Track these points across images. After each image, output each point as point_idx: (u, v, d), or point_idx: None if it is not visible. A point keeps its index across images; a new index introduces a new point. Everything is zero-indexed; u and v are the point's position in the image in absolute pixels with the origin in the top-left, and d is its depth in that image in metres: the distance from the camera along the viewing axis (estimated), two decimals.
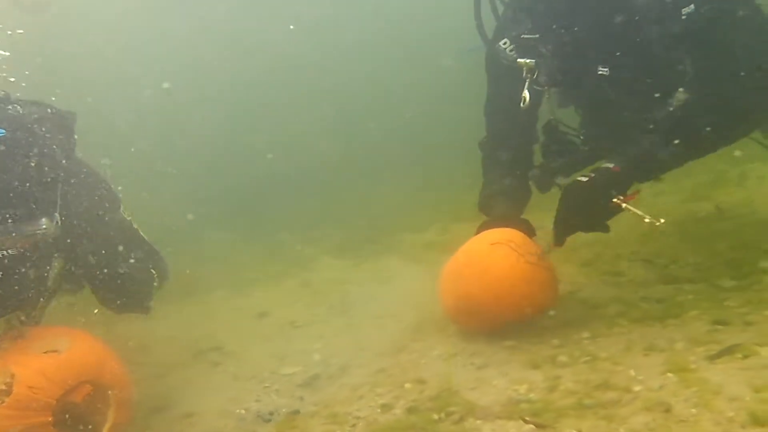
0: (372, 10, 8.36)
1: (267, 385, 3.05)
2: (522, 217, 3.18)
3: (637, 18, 2.43)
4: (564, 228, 2.74)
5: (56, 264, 2.82)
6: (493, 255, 2.89)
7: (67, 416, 2.44)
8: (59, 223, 2.44)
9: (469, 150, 6.77)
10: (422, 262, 4.68)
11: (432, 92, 7.94)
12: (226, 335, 3.93)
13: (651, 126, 2.48)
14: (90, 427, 2.56)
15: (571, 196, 2.62)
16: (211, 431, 2.65)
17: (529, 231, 3.06)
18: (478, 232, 3.21)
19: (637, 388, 1.96)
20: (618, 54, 2.52)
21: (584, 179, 2.57)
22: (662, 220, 2.44)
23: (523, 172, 3.17)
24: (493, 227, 3.10)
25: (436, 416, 2.30)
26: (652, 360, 2.12)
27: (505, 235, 2.94)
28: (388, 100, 7.94)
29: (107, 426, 2.60)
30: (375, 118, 7.78)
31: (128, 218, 3.06)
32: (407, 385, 2.64)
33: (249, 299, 4.69)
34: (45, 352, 2.42)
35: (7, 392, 2.26)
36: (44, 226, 2.37)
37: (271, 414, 2.67)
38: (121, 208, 3.03)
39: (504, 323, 2.80)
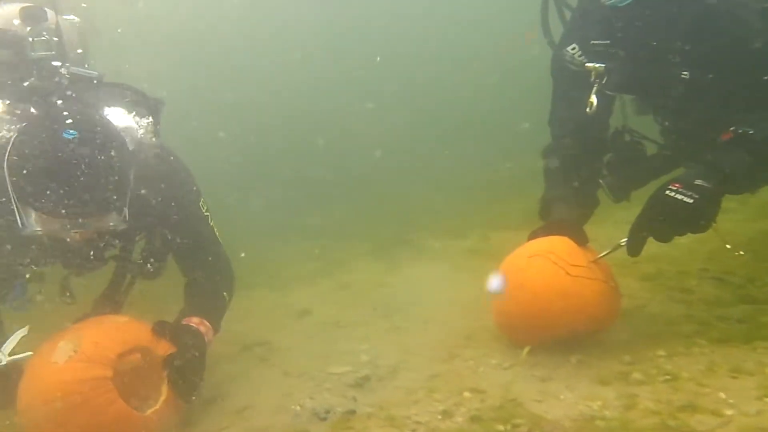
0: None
1: (318, 383, 3.00)
2: (575, 224, 3.07)
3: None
4: (644, 237, 2.62)
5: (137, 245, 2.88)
6: (529, 269, 2.84)
7: (124, 377, 2.49)
8: (127, 217, 2.40)
9: (514, 158, 6.78)
10: (464, 269, 4.64)
11: (485, 98, 7.87)
12: (270, 331, 3.91)
13: (745, 133, 2.36)
14: (145, 396, 2.60)
15: (665, 207, 2.50)
16: (267, 426, 2.61)
17: (581, 239, 2.96)
18: (529, 240, 3.15)
19: (729, 412, 1.88)
20: (703, 57, 2.43)
21: (681, 192, 2.44)
22: (741, 252, 2.35)
23: (588, 180, 3.10)
24: (544, 234, 3.03)
25: (501, 427, 2.25)
26: (742, 383, 2.05)
27: (547, 246, 2.88)
28: (438, 104, 7.86)
29: (161, 399, 2.60)
30: (421, 119, 7.71)
31: (206, 213, 3.02)
32: (466, 394, 2.59)
33: (288, 297, 4.67)
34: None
35: (70, 359, 2.38)
36: (112, 223, 2.34)
37: (327, 412, 2.63)
38: (200, 201, 3.00)
39: (550, 339, 2.73)
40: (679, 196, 2.45)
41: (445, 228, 5.83)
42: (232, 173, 6.47)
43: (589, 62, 2.69)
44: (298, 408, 2.71)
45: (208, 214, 2.99)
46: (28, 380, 2.44)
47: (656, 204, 2.54)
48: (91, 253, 2.53)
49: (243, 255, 4.50)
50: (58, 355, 2.41)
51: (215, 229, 3.05)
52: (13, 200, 2.23)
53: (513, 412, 2.32)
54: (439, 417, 2.44)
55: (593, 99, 2.71)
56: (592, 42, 2.65)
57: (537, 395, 2.41)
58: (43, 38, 2.45)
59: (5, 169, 2.23)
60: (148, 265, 2.87)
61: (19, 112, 2.32)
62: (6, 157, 2.24)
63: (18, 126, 2.29)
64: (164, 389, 2.64)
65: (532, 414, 2.27)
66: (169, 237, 2.87)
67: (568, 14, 3.01)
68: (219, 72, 7.66)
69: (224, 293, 3.02)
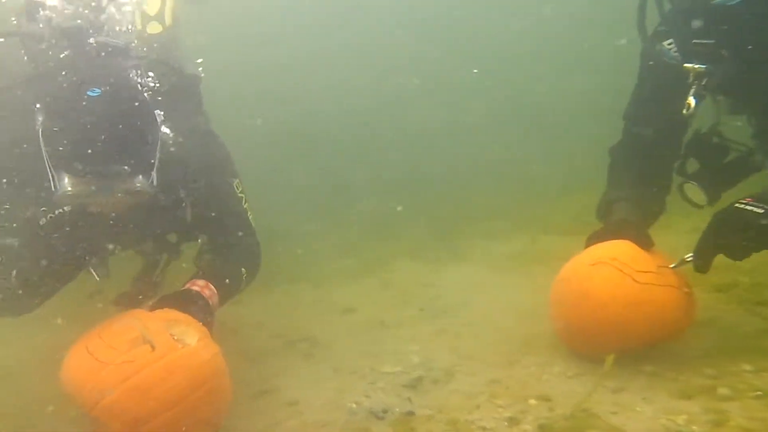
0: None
1: (370, 381, 2.94)
2: (639, 226, 2.91)
3: None
4: (713, 254, 2.51)
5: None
6: (592, 278, 2.69)
7: None
8: (155, 182, 2.37)
9: (564, 160, 6.64)
10: (513, 272, 4.56)
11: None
12: (313, 327, 3.86)
13: None
14: None
15: (735, 220, 2.38)
16: (323, 422, 2.55)
17: (645, 242, 2.80)
18: (588, 244, 3.02)
19: None
20: None
21: (752, 205, 2.34)
22: None
23: (661, 182, 2.98)
24: (604, 238, 2.90)
25: None
26: None
27: (609, 252, 2.74)
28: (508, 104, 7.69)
29: None
30: (469, 116, 7.59)
31: (240, 195, 2.98)
32: (532, 401, 2.50)
33: (331, 294, 4.62)
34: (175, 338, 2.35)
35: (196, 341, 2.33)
36: (139, 185, 2.31)
37: (384, 412, 2.56)
38: (235, 182, 2.96)
39: (618, 350, 2.62)
40: (749, 207, 2.34)
41: (487, 229, 5.73)
42: (273, 161, 6.43)
43: (687, 62, 2.57)
44: (354, 405, 2.65)
45: (242, 195, 2.96)
46: (154, 382, 2.20)
47: (725, 218, 2.43)
48: (131, 226, 2.51)
49: (280, 249, 4.50)
50: (175, 343, 2.30)
51: (249, 213, 3.00)
52: (47, 165, 2.25)
53: (587, 422, 2.22)
54: (506, 424, 2.35)
55: (691, 100, 2.59)
56: (694, 41, 2.53)
57: (611, 406, 2.31)
58: (72, 8, 2.49)
59: (40, 134, 2.27)
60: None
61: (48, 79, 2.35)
62: (40, 122, 2.28)
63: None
64: None
65: (609, 426, 2.17)
66: (200, 211, 2.82)
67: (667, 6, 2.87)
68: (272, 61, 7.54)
69: (242, 268, 2.89)
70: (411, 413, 2.54)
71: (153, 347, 2.25)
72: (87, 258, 2.33)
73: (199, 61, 3.84)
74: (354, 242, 5.84)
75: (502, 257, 5.01)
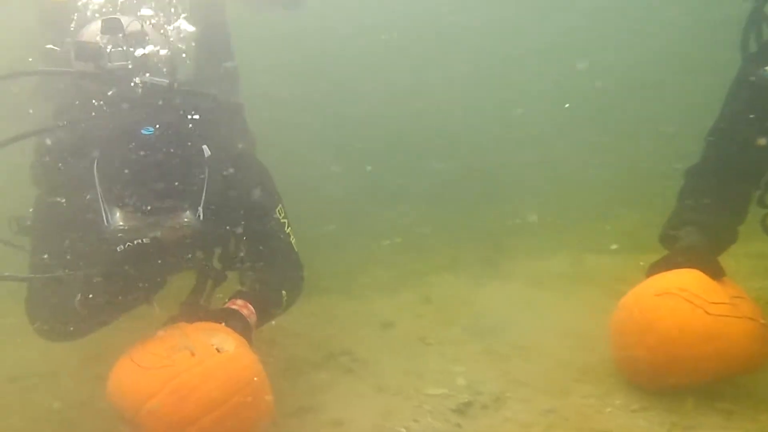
0: None
1: (417, 404, 2.85)
2: (708, 253, 2.77)
3: None
4: None
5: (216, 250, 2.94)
6: (658, 309, 2.58)
7: None
8: (201, 216, 2.48)
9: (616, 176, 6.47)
10: (559, 292, 4.42)
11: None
12: (352, 341, 3.78)
13: None
14: None
15: None
16: None
17: (716, 272, 2.66)
18: (651, 273, 2.88)
19: None
20: None
21: None
22: None
23: (738, 209, 2.84)
24: (670, 266, 2.75)
25: None
26: None
27: (677, 281, 2.60)
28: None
29: None
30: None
31: (282, 220, 2.97)
32: None
33: (368, 306, 4.53)
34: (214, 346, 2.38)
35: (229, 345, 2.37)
36: (186, 220, 2.42)
37: None
38: (278, 207, 2.96)
39: (686, 385, 2.48)
40: None
41: (530, 245, 5.59)
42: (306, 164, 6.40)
43: None
44: (403, 431, 2.55)
45: (285, 221, 2.98)
46: (194, 386, 2.23)
47: None
48: (176, 256, 2.60)
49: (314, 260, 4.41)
50: (214, 349, 2.34)
51: (291, 237, 3.02)
52: (101, 201, 2.39)
53: None
54: None
55: None
56: None
57: None
58: (119, 49, 2.59)
59: (94, 171, 2.40)
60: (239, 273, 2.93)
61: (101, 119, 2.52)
62: (95, 159, 2.41)
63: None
64: None
65: None
66: (244, 239, 2.91)
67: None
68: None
69: (282, 291, 2.90)
70: None
71: (192, 353, 2.29)
72: (149, 291, 2.38)
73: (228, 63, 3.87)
74: (389, 253, 5.74)
75: (546, 276, 4.86)
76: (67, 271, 2.52)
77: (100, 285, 2.31)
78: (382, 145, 7.16)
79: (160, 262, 2.36)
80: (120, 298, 2.31)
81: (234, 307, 2.63)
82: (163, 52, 2.86)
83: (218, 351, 2.32)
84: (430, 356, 3.51)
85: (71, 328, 2.54)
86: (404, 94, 7.53)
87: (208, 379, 2.24)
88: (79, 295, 2.38)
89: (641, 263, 3.03)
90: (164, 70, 2.81)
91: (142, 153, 2.31)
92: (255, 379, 2.35)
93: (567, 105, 7.07)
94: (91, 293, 2.33)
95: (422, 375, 3.21)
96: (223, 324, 2.53)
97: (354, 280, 5.07)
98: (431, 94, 7.62)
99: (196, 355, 2.29)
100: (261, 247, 2.92)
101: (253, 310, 2.67)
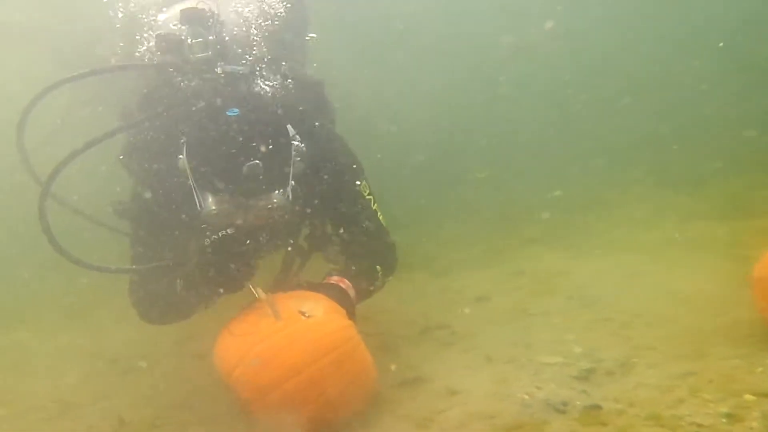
0: None
1: (534, 372, 2.68)
2: None
3: None
4: None
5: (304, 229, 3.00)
6: None
7: None
8: (290, 197, 2.50)
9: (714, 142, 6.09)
10: (670, 260, 4.14)
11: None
12: (447, 316, 3.67)
13: None
14: None
15: None
16: (490, 413, 2.33)
17: None
18: None
19: None
20: None
21: None
22: None
23: None
24: None
25: None
26: None
27: None
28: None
29: None
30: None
31: (368, 196, 2.93)
32: (748, 396, 2.15)
33: (455, 282, 4.41)
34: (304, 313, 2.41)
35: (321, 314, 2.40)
36: (276, 200, 2.45)
37: (564, 405, 2.30)
38: (362, 184, 2.92)
39: None
40: None
41: (625, 215, 5.31)
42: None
43: None
44: (526, 397, 2.40)
45: (370, 197, 2.94)
46: (276, 352, 2.27)
47: None
48: (266, 237, 2.65)
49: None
50: (301, 315, 2.37)
51: (378, 213, 2.97)
52: (192, 185, 2.44)
53: None
54: (724, 420, 2.03)
55: None
56: None
57: None
58: (199, 40, 2.60)
59: (185, 158, 2.44)
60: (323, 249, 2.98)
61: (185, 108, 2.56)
62: (185, 146, 2.45)
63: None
64: None
65: None
66: (331, 217, 2.94)
67: None
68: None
69: (377, 266, 2.87)
70: (597, 407, 2.27)
71: (277, 319, 2.35)
72: (242, 279, 2.44)
73: (312, 36, 3.84)
74: (473, 229, 5.58)
75: (651, 244, 4.59)
76: (165, 260, 2.62)
77: (196, 275, 2.40)
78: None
79: (247, 248, 2.41)
80: (215, 287, 2.40)
81: (331, 281, 2.66)
82: (240, 34, 2.89)
83: (304, 316, 2.35)
84: (537, 326, 3.34)
85: (174, 313, 2.64)
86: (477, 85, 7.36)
87: (291, 344, 2.27)
88: (180, 281, 2.47)
89: None
90: (239, 50, 2.82)
91: (229, 135, 2.35)
92: (345, 344, 2.34)
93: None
94: (190, 281, 2.43)
95: (532, 345, 3.05)
96: (317, 292, 2.55)
97: (439, 257, 4.95)
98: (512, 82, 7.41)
99: (282, 321, 2.33)
100: (349, 224, 2.91)
101: (350, 285, 2.67)
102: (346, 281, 2.71)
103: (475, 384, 2.61)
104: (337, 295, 2.60)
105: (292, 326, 2.32)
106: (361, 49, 6.32)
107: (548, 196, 5.93)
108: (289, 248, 2.92)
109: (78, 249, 2.52)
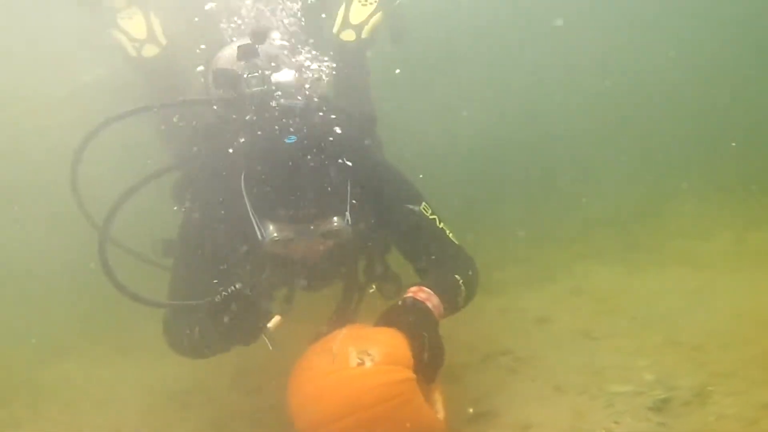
0: None
1: (608, 403, 2.67)
2: None
3: None
4: None
5: (361, 262, 3.00)
6: None
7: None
8: (350, 221, 2.54)
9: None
10: (733, 274, 4.07)
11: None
12: (508, 339, 3.66)
13: None
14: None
15: None
16: None
17: None
18: None
19: None
20: None
21: None
22: None
23: None
24: None
25: None
26: None
27: None
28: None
29: (439, 404, 2.52)
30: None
31: (431, 216, 2.92)
32: None
33: (514, 302, 4.39)
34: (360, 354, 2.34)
35: (373, 363, 2.30)
36: (336, 225, 2.48)
37: None
38: (422, 206, 2.92)
39: None
40: None
41: (681, 224, 5.23)
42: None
43: None
44: None
45: (434, 217, 2.91)
46: (318, 391, 2.32)
47: None
48: (323, 269, 2.70)
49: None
50: (353, 361, 2.30)
51: (448, 231, 2.94)
52: (251, 215, 2.50)
53: None
54: None
55: None
56: None
57: None
58: (256, 74, 2.70)
59: (242, 187, 2.53)
60: (378, 284, 2.99)
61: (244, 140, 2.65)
62: (242, 176, 2.54)
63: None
64: (437, 395, 2.53)
65: None
66: (396, 243, 2.95)
67: None
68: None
69: (456, 276, 2.79)
70: None
71: (333, 359, 2.34)
72: (252, 333, 2.37)
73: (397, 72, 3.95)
74: (523, 246, 5.55)
75: (709, 257, 4.52)
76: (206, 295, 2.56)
77: (209, 326, 2.36)
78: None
79: (258, 305, 2.37)
80: (227, 339, 2.37)
81: (409, 294, 2.54)
82: (296, 74, 2.93)
83: (360, 361, 2.29)
84: (602, 351, 3.31)
85: (200, 351, 2.61)
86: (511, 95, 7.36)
87: (335, 389, 2.28)
88: (197, 328, 2.48)
89: None
90: (293, 91, 2.85)
91: (288, 161, 2.40)
92: (393, 399, 2.25)
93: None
94: (205, 330, 2.43)
95: (600, 371, 3.03)
96: (394, 329, 2.43)
97: (491, 276, 4.93)
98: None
99: (334, 362, 2.33)
100: (415, 245, 2.89)
101: (432, 292, 2.56)
102: (426, 289, 2.60)
103: (548, 418, 2.61)
104: (415, 319, 2.49)
105: (339, 373, 2.31)
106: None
107: (593, 209, 5.88)
108: (345, 281, 2.95)
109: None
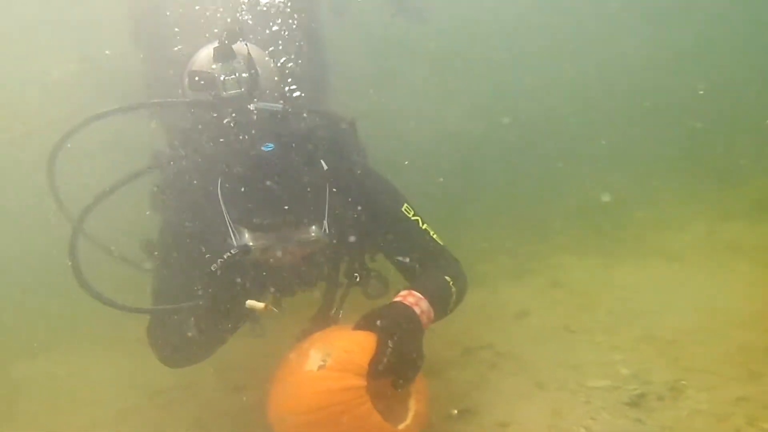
0: None
1: (585, 399, 2.75)
2: None
3: None
4: None
5: (342, 264, 2.98)
6: None
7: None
8: (327, 230, 2.55)
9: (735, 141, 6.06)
10: (705, 267, 4.20)
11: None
12: (489, 333, 3.72)
13: None
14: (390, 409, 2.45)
15: None
16: None
17: None
18: None
19: None
20: None
21: None
22: None
23: None
24: None
25: None
26: None
27: None
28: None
29: (411, 414, 2.47)
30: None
31: (414, 218, 2.92)
32: None
33: (493, 295, 4.46)
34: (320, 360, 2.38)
35: (324, 367, 2.32)
36: (313, 234, 2.49)
37: None
38: (402, 207, 2.92)
39: None
40: None
41: (654, 216, 5.33)
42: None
43: None
44: (583, 431, 2.47)
45: (417, 218, 2.91)
46: (281, 389, 2.42)
47: None
48: (302, 273, 2.68)
49: None
50: (311, 364, 2.35)
51: (431, 232, 2.94)
52: (227, 222, 2.49)
53: None
54: None
55: None
56: None
57: None
58: (233, 77, 2.67)
59: (219, 194, 2.51)
60: (362, 282, 2.95)
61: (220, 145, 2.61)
62: (219, 182, 2.51)
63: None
64: (412, 403, 2.50)
65: None
66: (380, 247, 2.92)
67: None
68: None
69: (446, 277, 2.76)
70: None
71: (296, 360, 2.42)
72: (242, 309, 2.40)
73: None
74: (502, 237, 5.62)
75: (683, 249, 4.63)
76: (187, 299, 2.60)
77: (207, 303, 2.39)
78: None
79: (254, 272, 2.43)
80: (228, 310, 2.37)
81: (397, 298, 2.51)
82: (271, 74, 2.96)
83: (321, 366, 2.31)
84: (581, 345, 3.40)
85: (192, 353, 2.63)
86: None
87: (285, 392, 2.37)
88: (192, 317, 2.47)
89: None
90: (272, 93, 2.88)
91: (265, 170, 2.38)
92: (332, 407, 2.26)
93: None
94: (201, 313, 2.43)
95: (578, 366, 3.11)
96: (368, 332, 2.41)
97: (472, 268, 4.98)
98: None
99: (295, 364, 2.40)
100: (400, 247, 2.87)
101: (421, 296, 2.51)
102: (416, 293, 2.55)
103: (528, 416, 2.68)
104: (389, 323, 2.42)
105: (295, 374, 2.38)
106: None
107: (570, 201, 5.96)
108: (326, 283, 2.94)
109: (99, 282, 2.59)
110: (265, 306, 2.36)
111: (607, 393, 2.81)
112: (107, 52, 3.80)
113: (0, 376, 4.32)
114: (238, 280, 2.38)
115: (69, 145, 2.94)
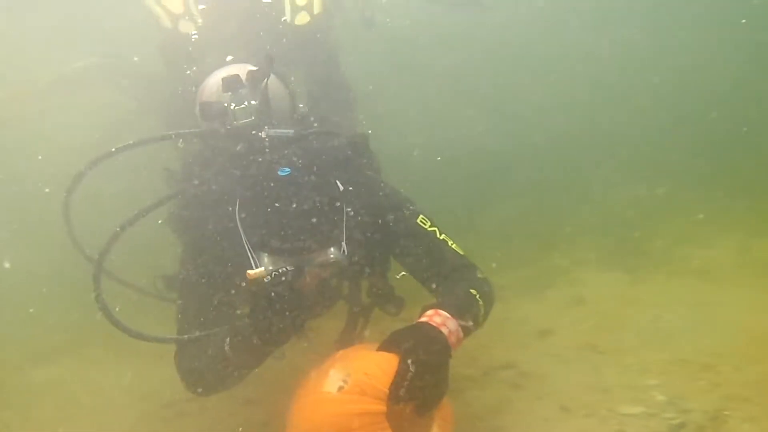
0: None
1: (618, 427, 2.58)
2: None
3: None
4: None
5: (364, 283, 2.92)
6: None
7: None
8: (346, 251, 2.49)
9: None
10: (740, 286, 4.02)
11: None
12: (509, 352, 3.56)
13: None
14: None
15: None
16: None
17: None
18: None
19: None
20: None
21: None
22: None
23: None
24: None
25: None
26: None
27: None
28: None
29: None
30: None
31: (430, 229, 2.80)
32: None
33: (514, 311, 4.28)
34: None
35: (343, 390, 2.21)
36: (332, 256, 2.44)
37: None
38: (418, 219, 2.82)
39: None
40: None
41: (682, 230, 5.14)
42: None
43: None
44: None
45: (434, 228, 2.81)
46: (299, 409, 2.32)
47: None
48: (323, 295, 2.58)
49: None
50: (329, 385, 2.25)
51: (450, 242, 2.82)
52: (246, 247, 2.46)
53: None
54: None
55: None
56: None
57: None
58: (242, 106, 2.70)
59: (237, 218, 2.50)
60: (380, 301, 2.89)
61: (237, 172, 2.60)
62: (236, 207, 2.52)
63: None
64: (435, 430, 2.32)
65: None
66: (400, 261, 2.85)
67: None
68: None
69: (471, 290, 2.61)
70: None
71: (315, 380, 2.32)
72: (297, 322, 2.29)
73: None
74: (521, 249, 5.45)
75: (713, 266, 4.44)
76: (214, 326, 2.58)
77: (247, 322, 2.28)
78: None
79: (301, 293, 2.30)
80: (268, 331, 2.23)
81: (423, 318, 2.36)
82: (282, 98, 2.96)
83: (340, 387, 2.21)
84: (609, 367, 3.22)
85: (224, 379, 2.54)
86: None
87: (301, 413, 2.28)
88: (228, 339, 2.39)
89: None
90: (283, 116, 2.88)
91: (282, 193, 2.39)
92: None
93: None
94: (239, 334, 2.33)
95: (608, 390, 2.94)
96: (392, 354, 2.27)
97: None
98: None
99: (314, 384, 2.31)
100: (419, 260, 2.77)
101: (447, 314, 2.36)
102: (443, 312, 2.39)
103: None
104: (413, 345, 2.25)
105: (312, 395, 2.29)
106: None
107: (591, 213, 5.79)
108: (348, 303, 2.89)
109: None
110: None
111: (642, 421, 2.64)
112: (135, 59, 3.75)
113: (14, 384, 4.25)
114: (286, 295, 2.25)
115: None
